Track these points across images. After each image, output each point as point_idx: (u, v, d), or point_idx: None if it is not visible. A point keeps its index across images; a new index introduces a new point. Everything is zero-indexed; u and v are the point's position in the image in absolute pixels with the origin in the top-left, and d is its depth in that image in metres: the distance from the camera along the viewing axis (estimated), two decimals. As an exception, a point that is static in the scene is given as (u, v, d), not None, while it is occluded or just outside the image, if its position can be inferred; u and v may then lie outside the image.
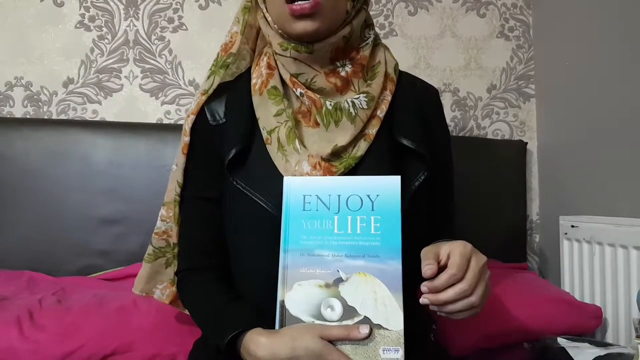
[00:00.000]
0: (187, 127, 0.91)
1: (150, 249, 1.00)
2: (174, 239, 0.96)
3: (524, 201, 1.75)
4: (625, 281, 1.28)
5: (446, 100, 1.79)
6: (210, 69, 0.93)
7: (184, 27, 1.70)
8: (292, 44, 0.82)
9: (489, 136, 1.82)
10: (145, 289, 1.02)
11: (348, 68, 0.85)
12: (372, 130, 0.85)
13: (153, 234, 0.98)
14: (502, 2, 1.83)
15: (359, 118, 0.83)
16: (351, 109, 0.83)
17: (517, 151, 1.75)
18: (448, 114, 1.75)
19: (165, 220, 0.96)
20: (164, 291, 1.02)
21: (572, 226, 1.45)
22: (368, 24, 0.89)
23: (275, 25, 0.84)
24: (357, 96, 0.84)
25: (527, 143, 1.78)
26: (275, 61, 0.87)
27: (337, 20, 0.82)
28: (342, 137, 0.82)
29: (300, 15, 0.79)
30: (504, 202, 1.69)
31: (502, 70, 1.83)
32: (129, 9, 1.68)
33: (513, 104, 1.83)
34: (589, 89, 1.53)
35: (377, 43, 0.90)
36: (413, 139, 0.86)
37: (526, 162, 1.77)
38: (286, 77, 0.85)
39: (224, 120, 0.89)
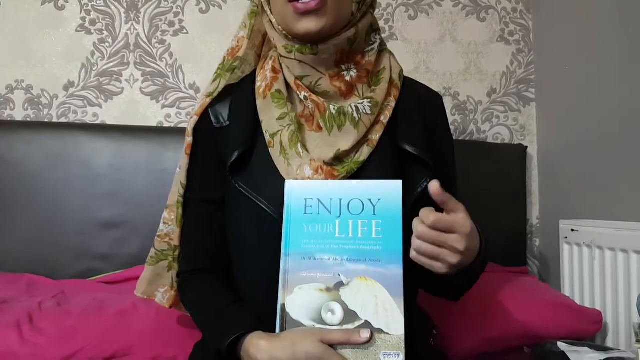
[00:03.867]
0: (189, 128, 0.91)
1: (152, 252, 1.00)
2: (175, 242, 0.96)
3: (524, 205, 1.74)
4: (625, 285, 1.28)
5: (446, 104, 1.76)
6: (216, 72, 0.93)
7: (185, 30, 1.70)
8: (297, 46, 0.82)
9: (489, 140, 1.81)
10: (147, 291, 1.02)
11: (353, 73, 0.85)
12: (375, 136, 0.85)
13: (156, 237, 0.98)
14: (502, 6, 1.83)
15: (362, 123, 0.83)
16: (355, 114, 0.83)
17: (517, 155, 1.75)
18: (448, 118, 1.74)
19: (168, 223, 0.96)
20: (165, 295, 1.02)
21: (573, 230, 1.45)
22: (374, 29, 0.89)
23: (280, 27, 0.84)
24: (361, 101, 0.84)
25: (527, 147, 1.78)
26: (280, 64, 0.87)
27: (341, 20, 0.82)
28: (344, 141, 0.82)
29: (304, 13, 0.78)
30: (504, 206, 1.69)
31: (502, 74, 1.83)
32: (130, 12, 1.68)
33: (513, 108, 1.83)
34: (589, 93, 1.53)
35: (382, 49, 0.90)
36: (416, 145, 0.86)
37: (526, 166, 1.77)
38: (290, 80, 0.85)
39: (228, 122, 0.90)
